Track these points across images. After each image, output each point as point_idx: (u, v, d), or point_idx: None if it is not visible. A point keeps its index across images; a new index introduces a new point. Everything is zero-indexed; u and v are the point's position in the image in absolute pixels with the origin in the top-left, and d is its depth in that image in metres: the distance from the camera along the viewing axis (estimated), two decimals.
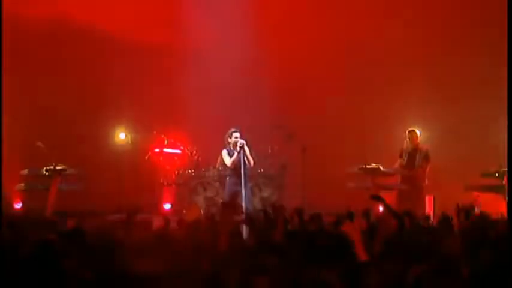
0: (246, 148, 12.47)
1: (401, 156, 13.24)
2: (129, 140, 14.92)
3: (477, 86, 14.81)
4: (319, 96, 15.47)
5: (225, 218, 6.99)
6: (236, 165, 12.43)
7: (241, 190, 12.18)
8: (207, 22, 15.47)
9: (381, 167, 12.71)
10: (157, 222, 10.40)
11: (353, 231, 5.24)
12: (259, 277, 4.22)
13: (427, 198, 13.23)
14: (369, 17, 15.63)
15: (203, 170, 14.40)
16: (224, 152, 12.74)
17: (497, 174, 12.21)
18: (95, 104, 15.11)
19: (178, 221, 8.29)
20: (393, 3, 15.54)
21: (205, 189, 14.30)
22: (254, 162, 12.68)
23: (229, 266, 4.61)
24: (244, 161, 12.37)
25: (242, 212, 11.73)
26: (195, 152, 14.59)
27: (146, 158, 14.68)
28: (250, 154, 12.57)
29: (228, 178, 12.78)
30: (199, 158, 14.61)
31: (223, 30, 15.47)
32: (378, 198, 5.86)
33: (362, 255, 5.14)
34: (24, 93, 14.86)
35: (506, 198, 11.21)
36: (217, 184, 14.03)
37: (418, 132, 13.59)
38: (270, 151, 14.53)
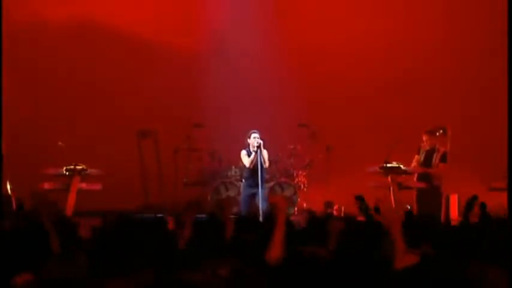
0: (262, 148, 12.36)
1: (418, 153, 12.98)
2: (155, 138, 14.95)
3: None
4: (343, 95, 15.33)
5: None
6: (254, 165, 12.34)
7: (258, 191, 12.08)
8: (229, 19, 15.41)
9: (401, 166, 12.48)
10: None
11: (281, 205, 4.86)
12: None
13: (451, 197, 12.98)
14: (397, 16, 15.44)
15: (225, 169, 14.36)
16: (243, 153, 12.66)
17: None
18: (117, 104, 15.14)
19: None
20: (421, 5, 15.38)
21: (227, 189, 14.24)
22: (269, 164, 12.58)
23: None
24: (260, 161, 12.26)
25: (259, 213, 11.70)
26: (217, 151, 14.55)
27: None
28: (268, 158, 12.46)
29: (243, 180, 12.71)
30: (221, 158, 14.57)
31: (245, 28, 15.38)
32: (360, 199, 5.67)
33: (276, 248, 4.75)
34: (45, 92, 14.95)
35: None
36: (240, 183, 13.95)
37: (447, 130, 13.27)
38: (292, 149, 14.44)
